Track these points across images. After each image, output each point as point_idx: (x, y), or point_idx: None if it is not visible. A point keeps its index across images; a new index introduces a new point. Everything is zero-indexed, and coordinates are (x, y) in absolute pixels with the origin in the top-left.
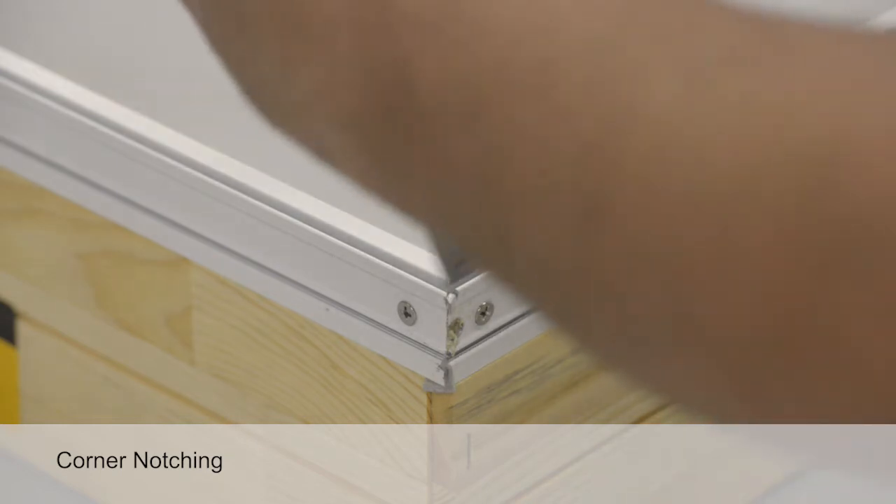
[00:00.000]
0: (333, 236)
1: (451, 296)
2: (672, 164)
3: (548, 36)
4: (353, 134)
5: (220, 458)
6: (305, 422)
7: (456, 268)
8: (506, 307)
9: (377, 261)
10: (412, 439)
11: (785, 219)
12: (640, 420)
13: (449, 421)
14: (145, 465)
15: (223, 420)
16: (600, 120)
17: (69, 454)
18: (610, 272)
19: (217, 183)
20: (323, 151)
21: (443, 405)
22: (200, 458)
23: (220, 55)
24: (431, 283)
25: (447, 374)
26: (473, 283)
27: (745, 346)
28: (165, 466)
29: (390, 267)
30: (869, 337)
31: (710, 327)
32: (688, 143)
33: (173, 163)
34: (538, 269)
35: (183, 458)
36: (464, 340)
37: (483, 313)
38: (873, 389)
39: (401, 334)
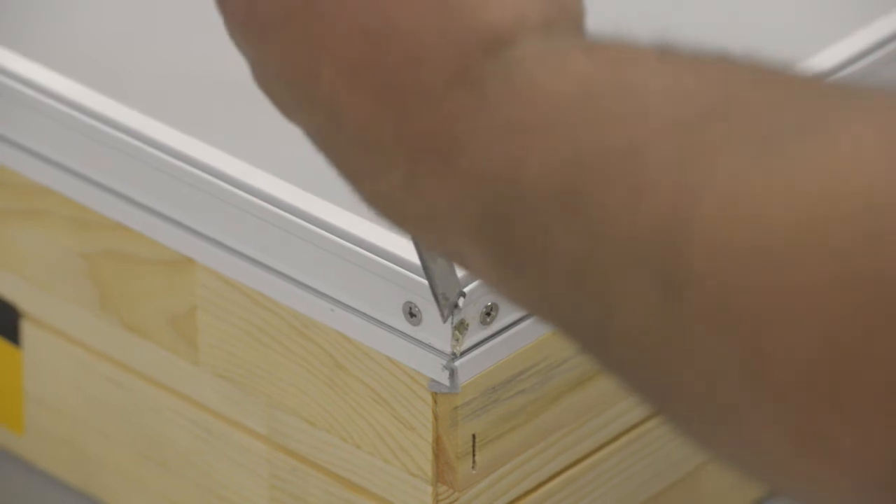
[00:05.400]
0: (338, 236)
1: None
2: (738, 227)
3: (638, 121)
4: (478, 240)
5: (225, 459)
6: (310, 422)
7: (451, 306)
8: (511, 307)
9: (382, 261)
10: (417, 439)
11: (837, 272)
12: (644, 420)
13: (454, 421)
14: (149, 466)
15: (227, 420)
16: (677, 192)
17: (73, 454)
18: (690, 337)
19: (221, 183)
20: (454, 256)
21: (448, 405)
22: (204, 458)
23: (339, 169)
24: None
25: (452, 374)
26: (479, 283)
27: (807, 386)
28: (169, 466)
29: (395, 267)
30: None
31: (776, 370)
32: (752, 206)
33: (178, 163)
34: (631, 347)
35: (187, 459)
36: (469, 340)
37: (488, 314)
38: None
39: (406, 334)
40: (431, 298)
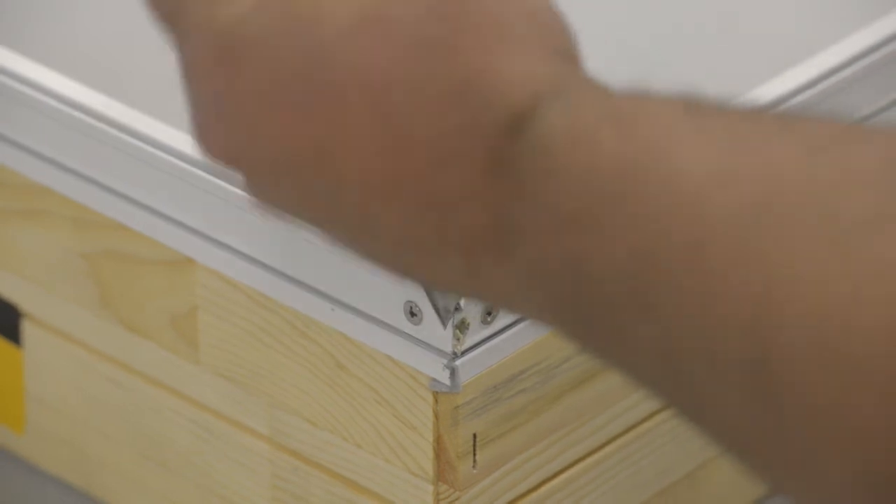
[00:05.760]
0: None
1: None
2: (824, 337)
3: (691, 218)
4: (553, 324)
5: (225, 459)
6: (311, 421)
7: (451, 316)
8: None
9: None
10: (418, 439)
11: None
12: (645, 419)
13: (455, 420)
14: (149, 466)
15: (228, 420)
16: (751, 297)
17: (73, 454)
18: (790, 438)
19: (222, 182)
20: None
21: (449, 405)
22: (205, 459)
23: (382, 266)
24: None
25: (453, 373)
26: None
27: None
28: (170, 467)
29: None
30: None
31: (886, 480)
32: (837, 315)
33: (178, 162)
34: (731, 434)
35: (188, 459)
36: (469, 340)
37: (489, 313)
38: None
39: (407, 334)
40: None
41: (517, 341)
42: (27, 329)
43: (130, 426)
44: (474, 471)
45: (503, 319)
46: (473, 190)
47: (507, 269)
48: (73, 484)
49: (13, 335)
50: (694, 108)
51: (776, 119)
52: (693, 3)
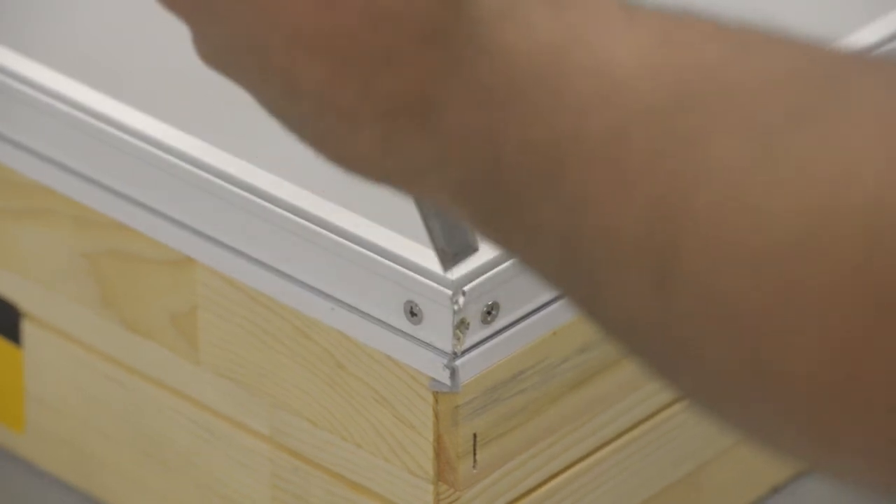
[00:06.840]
0: (339, 236)
1: (457, 295)
2: (736, 224)
3: (614, 105)
4: (459, 201)
5: (226, 458)
6: (311, 421)
7: (452, 259)
8: (511, 306)
9: (383, 260)
10: (418, 439)
11: (842, 272)
12: (645, 419)
13: (455, 420)
14: (150, 465)
15: (228, 420)
16: (666, 183)
17: (73, 453)
18: (684, 327)
19: (223, 182)
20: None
21: (449, 404)
22: (205, 458)
23: (300, 135)
24: (437, 283)
25: (453, 373)
26: (480, 282)
27: (814, 387)
28: (170, 466)
29: (396, 266)
30: None
31: (779, 371)
32: (751, 204)
33: (179, 162)
34: (626, 323)
35: (188, 458)
36: (470, 340)
37: (489, 312)
38: None
39: (407, 334)
40: (432, 297)
41: (517, 341)
42: (27, 329)
43: (131, 426)
44: (474, 471)
45: (503, 319)
46: (402, 55)
47: (423, 141)
48: (73, 484)
49: (13, 335)
50: (630, 4)
51: (710, 22)
52: (692, 3)
